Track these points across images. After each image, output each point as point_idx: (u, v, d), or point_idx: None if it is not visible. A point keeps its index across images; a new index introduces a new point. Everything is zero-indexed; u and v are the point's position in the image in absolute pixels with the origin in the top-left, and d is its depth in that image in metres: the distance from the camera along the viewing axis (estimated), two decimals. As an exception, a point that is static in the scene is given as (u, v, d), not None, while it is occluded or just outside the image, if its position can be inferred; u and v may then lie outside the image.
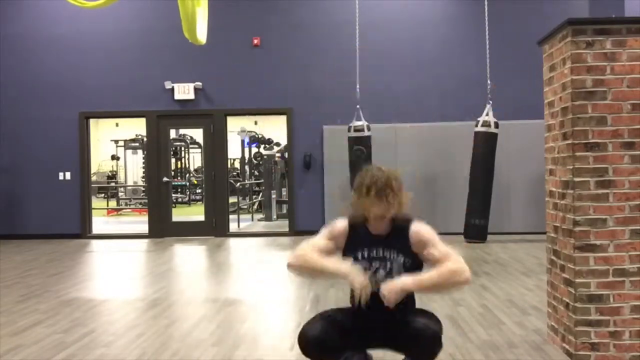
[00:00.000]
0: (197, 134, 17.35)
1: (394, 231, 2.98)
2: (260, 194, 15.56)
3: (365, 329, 2.99)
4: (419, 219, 3.02)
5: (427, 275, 2.85)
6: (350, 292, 2.96)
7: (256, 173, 17.66)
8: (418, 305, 3.07)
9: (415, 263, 2.96)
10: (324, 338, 2.86)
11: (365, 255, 2.97)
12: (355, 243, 3.00)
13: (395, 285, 2.79)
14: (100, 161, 21.34)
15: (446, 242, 2.96)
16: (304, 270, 2.99)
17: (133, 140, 18.68)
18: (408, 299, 2.96)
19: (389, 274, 2.92)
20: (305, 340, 2.87)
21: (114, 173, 21.31)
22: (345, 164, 9.35)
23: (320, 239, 3.02)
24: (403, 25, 10.58)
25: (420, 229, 2.97)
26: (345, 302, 3.19)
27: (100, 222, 13.13)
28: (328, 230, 3.05)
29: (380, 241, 2.98)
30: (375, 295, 2.84)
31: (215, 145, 10.95)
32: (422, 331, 2.81)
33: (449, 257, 2.86)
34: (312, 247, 2.97)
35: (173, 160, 17.14)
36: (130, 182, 19.13)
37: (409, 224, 2.98)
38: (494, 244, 8.98)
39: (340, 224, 3.05)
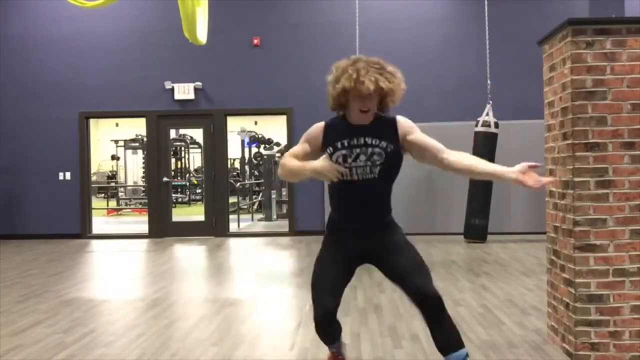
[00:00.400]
0: (197, 134, 17.35)
1: (377, 121, 3.00)
2: (260, 194, 15.56)
3: (357, 230, 3.03)
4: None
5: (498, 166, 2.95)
6: (330, 197, 3.07)
7: (256, 173, 17.66)
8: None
9: (397, 150, 2.98)
10: (335, 312, 2.97)
11: (346, 143, 2.96)
12: (334, 135, 3.01)
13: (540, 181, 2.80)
14: (100, 161, 21.35)
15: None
16: (286, 176, 3.09)
17: (133, 140, 18.69)
18: (387, 204, 3.06)
19: (370, 159, 2.94)
20: (326, 322, 2.97)
21: (114, 173, 21.31)
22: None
23: (297, 146, 3.11)
24: (403, 25, 10.58)
25: (406, 120, 3.05)
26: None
27: (100, 222, 13.13)
28: (305, 134, 3.12)
29: (363, 130, 2.97)
30: (359, 186, 2.94)
31: (215, 145, 10.95)
32: (429, 300, 2.87)
33: (444, 147, 3.00)
34: (290, 154, 3.07)
35: (173, 160, 17.14)
36: (130, 182, 19.14)
37: (394, 117, 3.04)
38: (494, 244, 8.98)
39: (317, 125, 3.10)
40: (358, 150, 2.93)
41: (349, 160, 2.92)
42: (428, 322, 2.93)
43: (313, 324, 3.05)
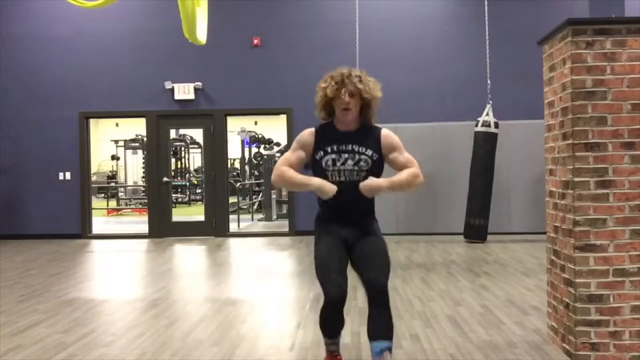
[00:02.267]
0: (197, 134, 17.35)
1: (363, 130, 3.25)
2: (260, 194, 15.56)
3: (342, 222, 3.26)
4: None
5: (397, 178, 3.21)
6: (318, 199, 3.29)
7: (256, 173, 17.67)
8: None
9: (380, 160, 3.24)
10: (347, 294, 3.15)
11: (335, 148, 3.21)
12: (324, 140, 3.25)
13: (372, 184, 3.12)
14: (100, 161, 21.34)
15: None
16: (283, 185, 3.31)
17: (133, 140, 18.68)
18: (370, 204, 3.32)
19: (357, 165, 3.18)
20: (340, 298, 3.10)
21: (114, 173, 21.31)
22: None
23: (291, 152, 3.31)
24: (403, 25, 10.59)
25: (390, 134, 3.31)
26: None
27: (100, 222, 13.14)
28: (296, 141, 3.32)
29: (350, 137, 3.23)
30: (345, 187, 3.16)
31: (215, 145, 10.96)
32: (375, 288, 3.11)
33: (412, 163, 3.26)
34: (286, 162, 3.26)
35: (173, 160, 17.14)
36: (130, 182, 19.14)
37: (379, 128, 3.28)
38: (494, 244, 8.98)
39: (308, 131, 3.32)
40: (346, 155, 3.19)
41: (338, 163, 3.19)
42: (370, 310, 3.16)
43: (319, 315, 3.25)
